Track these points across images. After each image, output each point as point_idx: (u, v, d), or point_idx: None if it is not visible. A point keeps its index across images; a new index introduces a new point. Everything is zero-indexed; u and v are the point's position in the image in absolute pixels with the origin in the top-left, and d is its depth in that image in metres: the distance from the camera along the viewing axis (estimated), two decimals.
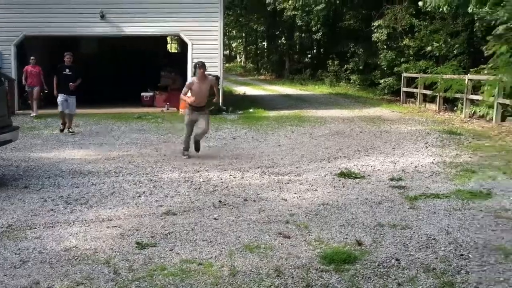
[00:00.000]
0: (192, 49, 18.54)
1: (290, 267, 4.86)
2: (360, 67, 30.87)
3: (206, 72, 10.27)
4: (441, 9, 17.58)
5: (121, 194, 7.51)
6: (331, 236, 5.72)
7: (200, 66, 10.15)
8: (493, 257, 5.04)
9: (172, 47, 40.14)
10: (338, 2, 30.72)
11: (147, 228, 5.99)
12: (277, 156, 10.56)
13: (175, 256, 5.15)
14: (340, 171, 8.91)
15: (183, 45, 21.83)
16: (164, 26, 18.74)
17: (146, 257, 5.10)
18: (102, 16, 18.32)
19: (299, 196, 7.39)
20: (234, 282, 4.57)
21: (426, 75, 21.04)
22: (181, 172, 9.03)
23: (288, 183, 8.24)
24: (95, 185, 8.06)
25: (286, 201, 7.17)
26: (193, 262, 4.98)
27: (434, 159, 9.99)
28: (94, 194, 7.52)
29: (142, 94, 20.78)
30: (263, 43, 56.76)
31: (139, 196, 7.41)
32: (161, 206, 6.91)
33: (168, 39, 34.64)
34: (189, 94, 10.18)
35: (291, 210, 6.68)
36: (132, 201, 7.19)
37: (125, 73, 22.38)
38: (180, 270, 4.80)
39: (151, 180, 8.40)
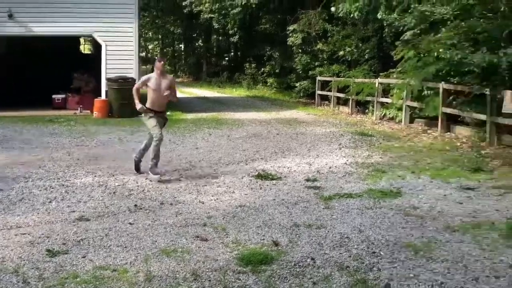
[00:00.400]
0: (106, 50, 18.06)
1: (207, 270, 4.83)
2: (277, 71, 31.36)
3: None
4: (352, 15, 18.13)
5: (30, 200, 7.19)
6: (248, 237, 5.74)
7: (160, 58, 8.78)
8: (404, 254, 5.24)
9: (85, 48, 38.98)
10: (254, 6, 30.97)
11: (58, 235, 5.76)
12: (194, 158, 10.49)
13: (88, 263, 4.99)
14: (257, 172, 8.98)
15: (96, 46, 21.26)
16: (76, 26, 18.10)
17: (57, 265, 4.91)
18: (10, 16, 17.42)
19: (217, 199, 7.38)
20: (150, 287, 4.49)
21: (339, 78, 21.69)
22: (95, 176, 8.77)
23: (206, 185, 8.20)
24: (2, 191, 7.66)
25: (203, 203, 7.13)
26: (107, 269, 4.84)
27: (347, 160, 10.28)
28: (1, 200, 7.15)
29: (54, 96, 19.94)
30: (180, 46, 56.37)
31: (50, 202, 7.13)
32: (74, 211, 6.68)
33: (82, 39, 33.61)
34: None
35: (208, 213, 6.66)
36: (43, 207, 6.90)
37: (36, 74, 21.47)
38: (94, 277, 4.66)
39: (63, 185, 8.10)
